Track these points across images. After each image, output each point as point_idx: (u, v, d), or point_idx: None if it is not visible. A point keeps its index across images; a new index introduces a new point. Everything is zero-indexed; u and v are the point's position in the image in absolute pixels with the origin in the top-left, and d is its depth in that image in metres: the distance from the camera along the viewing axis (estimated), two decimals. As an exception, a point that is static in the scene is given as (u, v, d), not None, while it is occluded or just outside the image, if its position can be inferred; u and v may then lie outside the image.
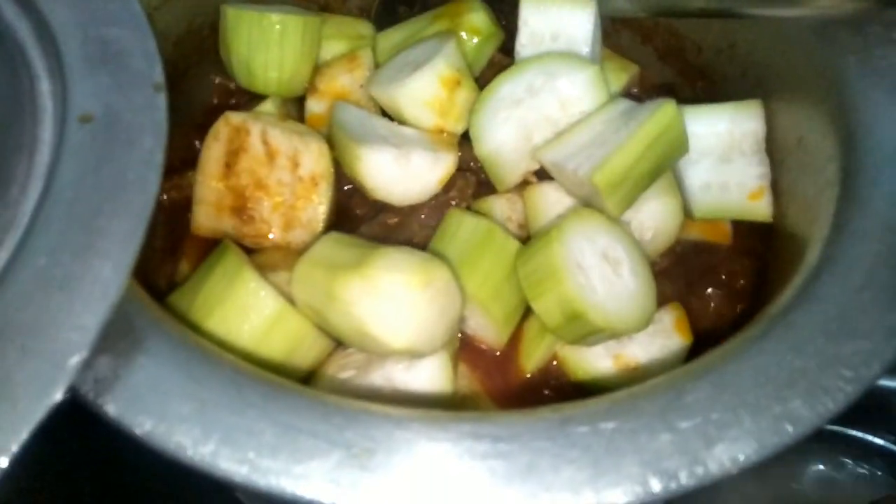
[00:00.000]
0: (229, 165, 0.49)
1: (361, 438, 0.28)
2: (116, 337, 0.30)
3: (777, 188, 0.47)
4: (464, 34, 0.55)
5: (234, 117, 0.49)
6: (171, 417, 0.28)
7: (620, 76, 0.56)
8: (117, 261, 0.31)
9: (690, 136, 0.47)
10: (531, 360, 0.46)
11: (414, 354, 0.39)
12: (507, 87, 0.49)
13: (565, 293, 0.40)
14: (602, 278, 0.42)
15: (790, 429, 0.28)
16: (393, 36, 0.58)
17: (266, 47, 0.52)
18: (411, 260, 0.39)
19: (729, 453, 0.27)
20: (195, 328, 0.38)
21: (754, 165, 0.48)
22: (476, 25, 0.55)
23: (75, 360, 0.27)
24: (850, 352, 0.30)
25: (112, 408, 0.28)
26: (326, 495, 0.27)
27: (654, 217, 0.46)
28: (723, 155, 0.48)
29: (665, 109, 0.43)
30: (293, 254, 0.47)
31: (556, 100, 0.48)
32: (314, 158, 0.49)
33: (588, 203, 0.46)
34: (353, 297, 0.38)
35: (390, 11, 0.61)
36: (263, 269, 0.45)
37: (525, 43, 0.52)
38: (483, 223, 0.45)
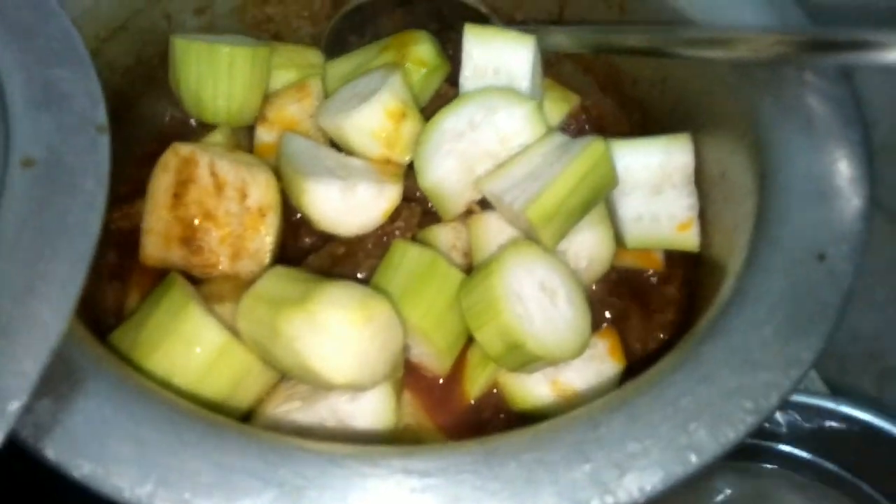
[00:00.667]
0: (178, 196, 0.50)
1: (294, 476, 0.29)
2: (57, 379, 0.31)
3: (703, 218, 0.50)
4: (410, 65, 0.56)
5: (183, 148, 0.50)
6: (109, 459, 0.29)
7: (562, 106, 0.59)
8: (57, 304, 0.32)
9: (624, 168, 0.49)
10: (475, 386, 0.48)
11: (356, 388, 0.40)
12: (450, 120, 0.50)
13: (505, 324, 0.42)
14: (540, 308, 0.44)
15: (694, 458, 0.30)
16: (342, 65, 0.59)
17: (215, 78, 0.53)
18: (353, 295, 0.40)
19: (638, 483, 0.29)
20: (140, 364, 0.39)
21: (684, 197, 0.50)
22: (422, 57, 0.57)
23: (14, 406, 0.28)
24: (752, 384, 0.32)
25: (51, 451, 0.29)
26: (260, 531, 0.28)
27: (588, 247, 0.48)
28: (655, 187, 0.50)
29: (594, 146, 0.46)
30: (241, 284, 0.48)
31: (495, 134, 0.50)
32: (262, 190, 0.50)
33: (527, 233, 0.48)
34: (295, 332, 0.39)
35: (341, 41, 0.62)
36: (211, 300, 0.46)
37: (468, 76, 0.54)
38: (427, 254, 0.47)
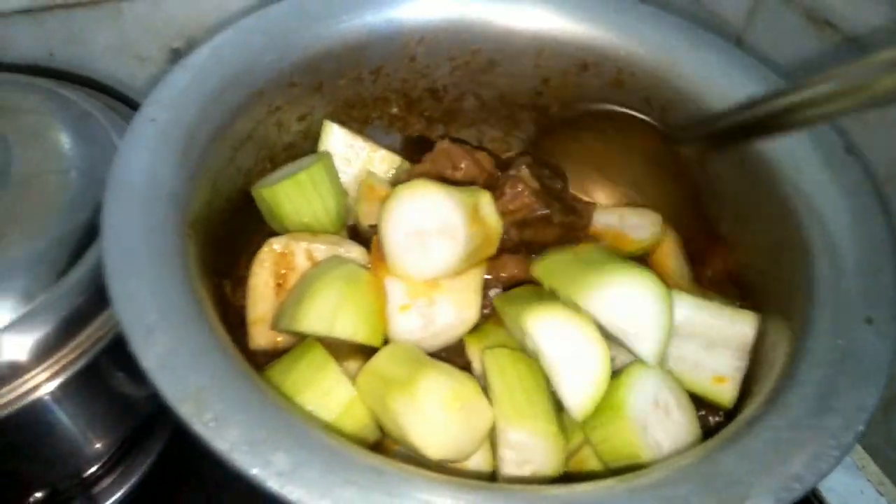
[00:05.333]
0: (280, 285, 0.56)
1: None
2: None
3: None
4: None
5: (277, 242, 0.57)
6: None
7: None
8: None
9: (685, 318, 0.53)
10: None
11: (449, 461, 0.47)
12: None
13: (642, 460, 0.47)
14: (662, 428, 0.49)
15: (797, 486, 0.38)
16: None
17: (309, 202, 0.59)
18: (449, 382, 0.47)
19: (756, 507, 0.37)
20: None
21: (734, 360, 0.53)
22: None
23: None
24: (832, 425, 0.40)
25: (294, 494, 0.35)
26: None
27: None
28: (710, 342, 0.53)
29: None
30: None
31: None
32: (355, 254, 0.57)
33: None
34: (401, 410, 0.46)
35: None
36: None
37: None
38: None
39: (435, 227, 0.53)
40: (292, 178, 0.58)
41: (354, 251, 0.57)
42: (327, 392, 0.48)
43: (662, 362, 0.51)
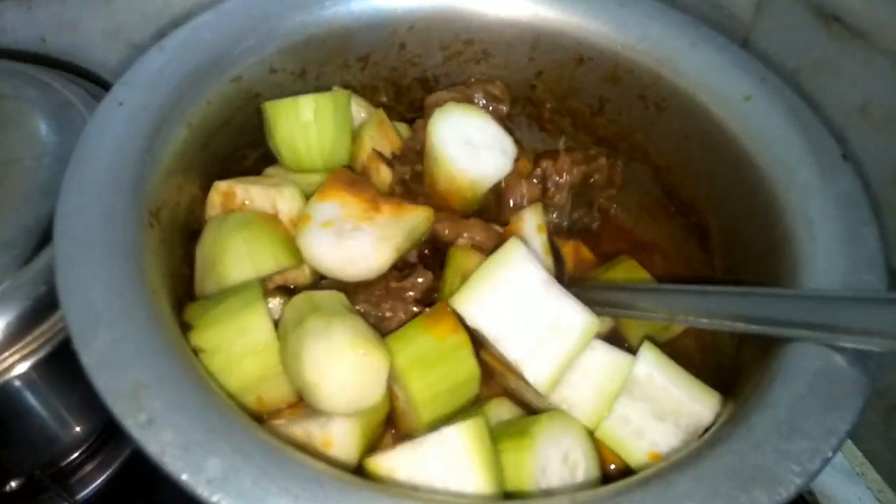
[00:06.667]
0: None
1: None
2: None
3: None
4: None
5: (222, 184, 0.57)
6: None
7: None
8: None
9: (647, 375, 0.49)
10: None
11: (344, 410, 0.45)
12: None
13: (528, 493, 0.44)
14: (561, 482, 0.46)
15: (754, 514, 0.36)
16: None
17: (304, 128, 0.59)
18: (356, 327, 0.46)
19: (708, 536, 0.35)
20: (195, 332, 0.45)
21: (677, 439, 0.48)
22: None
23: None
24: (798, 449, 0.38)
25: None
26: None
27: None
28: (661, 412, 0.49)
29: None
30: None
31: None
32: (287, 203, 0.56)
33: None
34: (304, 344, 0.44)
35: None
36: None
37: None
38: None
39: (485, 142, 0.60)
40: (294, 99, 0.58)
41: (286, 191, 0.56)
42: (242, 329, 0.46)
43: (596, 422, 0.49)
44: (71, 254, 0.41)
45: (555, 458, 0.46)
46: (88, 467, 0.66)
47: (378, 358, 0.46)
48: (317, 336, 0.45)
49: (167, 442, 0.35)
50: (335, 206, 0.54)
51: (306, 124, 0.59)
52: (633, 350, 0.53)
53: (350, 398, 0.44)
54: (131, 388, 0.36)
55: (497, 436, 0.46)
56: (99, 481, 0.66)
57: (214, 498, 0.33)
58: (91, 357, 0.37)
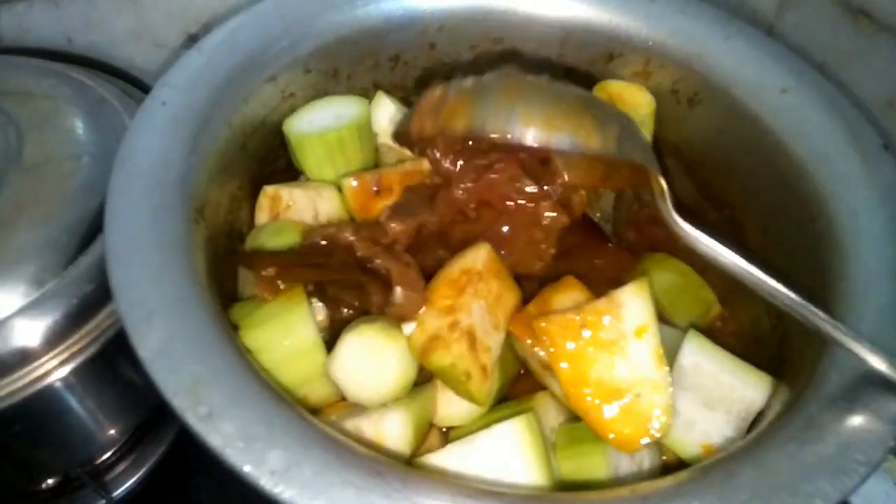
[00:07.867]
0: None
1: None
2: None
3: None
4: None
5: (269, 189, 0.57)
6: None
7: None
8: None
9: (694, 365, 0.48)
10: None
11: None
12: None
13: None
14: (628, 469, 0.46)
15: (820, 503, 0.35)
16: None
17: (333, 160, 0.59)
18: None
19: (773, 525, 0.35)
20: (241, 333, 0.45)
21: (730, 428, 0.47)
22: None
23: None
24: (861, 439, 0.38)
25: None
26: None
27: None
28: (710, 400, 0.48)
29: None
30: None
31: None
32: (327, 205, 0.57)
33: None
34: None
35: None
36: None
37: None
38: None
39: None
40: (321, 136, 0.58)
41: (326, 193, 0.57)
42: (286, 330, 0.46)
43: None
44: (122, 250, 0.41)
45: (624, 458, 0.46)
46: (122, 466, 0.66)
47: (383, 338, 0.46)
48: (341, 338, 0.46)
49: (228, 434, 0.35)
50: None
51: (334, 158, 0.59)
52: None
53: (364, 384, 0.46)
54: (189, 381, 0.36)
55: (567, 441, 0.46)
56: (133, 480, 0.66)
57: (278, 489, 0.33)
58: (148, 351, 0.37)
